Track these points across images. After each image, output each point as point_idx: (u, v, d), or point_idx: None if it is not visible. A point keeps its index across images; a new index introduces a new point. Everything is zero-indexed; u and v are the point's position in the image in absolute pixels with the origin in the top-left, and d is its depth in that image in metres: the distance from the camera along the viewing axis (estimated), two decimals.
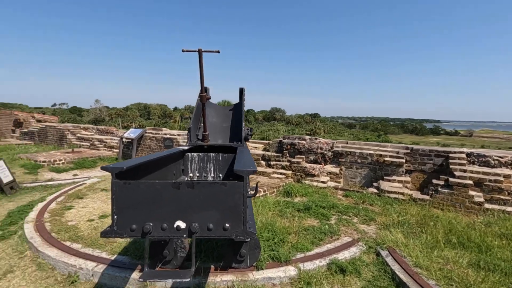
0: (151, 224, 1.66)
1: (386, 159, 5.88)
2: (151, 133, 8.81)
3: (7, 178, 5.86)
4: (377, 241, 3.72)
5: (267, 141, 8.15)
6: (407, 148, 6.03)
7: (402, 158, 5.86)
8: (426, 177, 5.73)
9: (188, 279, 1.62)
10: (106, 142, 10.12)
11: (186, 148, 3.63)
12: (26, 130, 13.35)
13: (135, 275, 2.85)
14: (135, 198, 1.67)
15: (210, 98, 3.70)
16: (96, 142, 10.31)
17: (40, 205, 4.79)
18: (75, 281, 2.93)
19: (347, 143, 6.64)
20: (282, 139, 6.96)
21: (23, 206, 4.87)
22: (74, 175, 7.70)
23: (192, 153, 3.68)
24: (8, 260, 3.35)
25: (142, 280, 1.57)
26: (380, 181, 5.84)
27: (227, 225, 1.66)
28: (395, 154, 6.00)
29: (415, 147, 6.00)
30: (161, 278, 1.66)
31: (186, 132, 8.65)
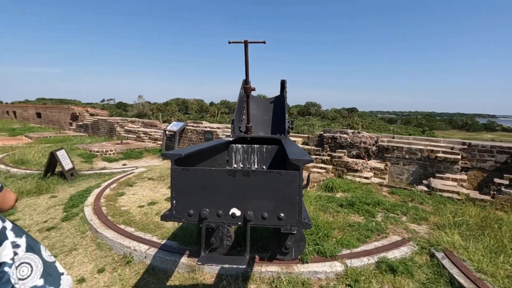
0: (207, 210, 1.70)
1: (438, 155, 5.43)
2: (192, 126, 9.11)
3: (68, 165, 6.47)
4: (431, 241, 3.46)
5: (305, 135, 7.99)
6: (463, 144, 5.51)
7: (458, 154, 5.37)
8: (486, 175, 5.19)
9: (244, 266, 1.64)
10: (151, 135, 10.71)
11: (231, 139, 3.68)
12: (81, 123, 14.65)
13: (184, 259, 2.98)
14: (193, 184, 1.72)
15: (254, 89, 3.70)
16: (142, 135, 10.96)
17: (96, 191, 5.22)
18: (130, 261, 3.14)
19: (393, 138, 6.26)
20: (322, 132, 6.77)
21: (82, 191, 5.35)
22: (123, 164, 8.27)
23: (237, 145, 3.72)
24: (72, 238, 3.71)
25: (200, 263, 1.62)
26: (431, 179, 5.42)
27: (281, 214, 1.64)
28: (449, 150, 5.52)
29: (473, 142, 5.45)
30: (217, 263, 1.70)
31: (225, 125, 8.82)
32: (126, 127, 11.99)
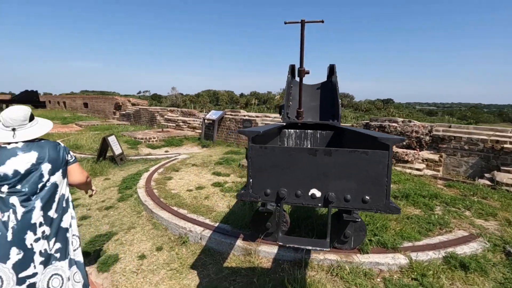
0: (285, 190, 1.64)
1: (506, 145, 4.91)
2: (230, 115, 9.17)
3: (118, 150, 6.84)
4: (505, 239, 3.14)
5: (347, 124, 7.67)
6: None
7: None
8: None
9: (328, 249, 1.56)
10: (189, 123, 10.99)
11: (284, 124, 3.60)
12: (124, 112, 15.46)
13: (239, 242, 2.99)
14: (270, 163, 1.67)
15: (308, 72, 3.55)
16: (181, 123, 11.28)
17: (146, 175, 5.45)
18: (186, 242, 3.22)
19: (450, 127, 5.77)
20: (369, 121, 6.44)
21: (133, 174, 5.61)
22: (166, 151, 8.58)
23: (289, 130, 3.63)
24: (129, 218, 3.90)
25: (281, 243, 1.58)
26: (495, 172, 4.92)
27: (367, 197, 1.53)
28: None
29: None
30: (299, 244, 1.65)
31: (263, 114, 8.75)
32: (166, 116, 12.41)
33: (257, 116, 8.40)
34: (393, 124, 6.03)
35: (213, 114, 9.38)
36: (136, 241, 3.32)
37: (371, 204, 1.54)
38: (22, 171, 1.62)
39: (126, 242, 3.31)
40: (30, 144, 1.71)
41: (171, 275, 2.74)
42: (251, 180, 1.73)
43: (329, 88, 4.77)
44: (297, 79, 4.99)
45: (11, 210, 1.60)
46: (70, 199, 1.89)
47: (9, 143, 1.67)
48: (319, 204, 1.62)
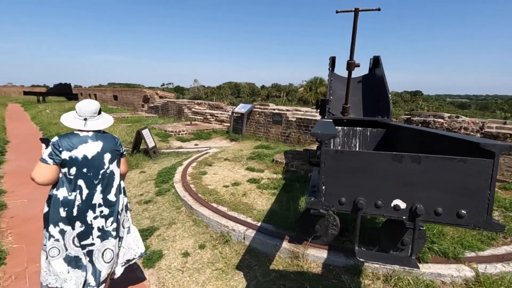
0: (363, 199, 1.48)
1: None
2: (259, 108, 9.02)
3: (151, 144, 6.93)
4: None
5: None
6: None
7: None
8: None
9: (419, 269, 1.40)
10: (217, 116, 10.98)
11: (330, 120, 3.40)
12: (152, 104, 15.78)
13: (286, 244, 2.87)
14: (347, 168, 1.51)
15: (359, 65, 3.31)
16: (209, 116, 11.31)
17: (180, 169, 5.46)
18: (228, 240, 3.16)
19: (504, 123, 5.27)
20: (410, 116, 6.05)
21: (168, 168, 5.65)
22: (195, 144, 8.62)
23: (336, 127, 3.42)
24: (169, 213, 3.90)
25: (361, 259, 1.44)
26: None
27: (463, 211, 1.33)
28: None
29: None
30: (384, 262, 1.49)
31: (294, 107, 8.52)
32: (193, 109, 12.50)
33: (287, 110, 8.19)
34: (439, 120, 5.61)
35: (242, 108, 9.27)
36: (178, 238, 3.30)
37: (467, 220, 1.34)
38: (89, 156, 1.87)
39: (169, 238, 3.30)
40: (97, 134, 1.95)
41: (217, 275, 2.68)
42: (323, 187, 1.58)
43: (373, 81, 4.47)
44: (333, 71, 4.72)
45: (78, 191, 1.86)
46: (122, 185, 2.15)
47: (81, 131, 1.91)
48: (404, 217, 1.45)
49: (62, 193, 1.85)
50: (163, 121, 12.48)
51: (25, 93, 30.46)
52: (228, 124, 10.32)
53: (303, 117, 7.59)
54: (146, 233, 3.38)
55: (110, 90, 23.01)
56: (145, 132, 6.84)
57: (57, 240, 1.84)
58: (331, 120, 3.12)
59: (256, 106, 9.14)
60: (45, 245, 1.87)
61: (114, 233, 2.02)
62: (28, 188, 4.99)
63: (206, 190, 4.29)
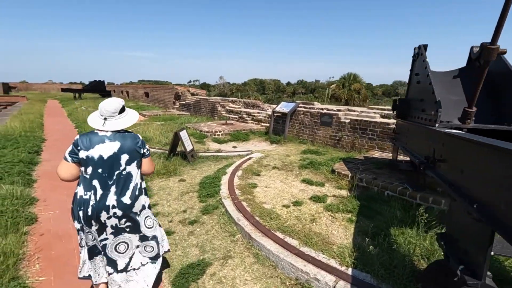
0: None
1: None
2: (304, 107, 8.10)
3: (189, 146, 6.29)
4: None
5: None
6: None
7: None
8: None
9: None
10: (254, 116, 10.21)
11: (446, 130, 2.43)
12: (183, 102, 15.37)
13: None
14: None
15: (505, 52, 2.29)
16: (244, 115, 10.56)
17: (225, 179, 4.72)
18: None
19: None
20: None
21: (210, 177, 4.92)
22: (234, 147, 7.91)
23: None
24: (221, 240, 3.14)
25: None
26: None
27: None
28: None
29: None
30: None
31: (346, 107, 7.49)
32: (227, 107, 11.83)
33: (338, 110, 7.19)
34: None
35: (284, 106, 8.40)
36: (239, 281, 2.52)
37: None
38: (105, 157, 1.84)
39: (226, 281, 2.53)
40: (116, 134, 1.90)
41: None
42: None
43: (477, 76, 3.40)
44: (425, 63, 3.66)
45: (92, 191, 1.84)
46: (143, 187, 2.09)
47: (100, 130, 1.89)
48: None
49: (80, 192, 1.88)
50: (196, 119, 11.93)
51: (63, 90, 31.76)
52: (266, 124, 9.51)
53: (359, 118, 6.57)
54: (196, 270, 2.64)
55: (142, 87, 23.11)
56: (183, 134, 6.20)
57: (80, 233, 1.96)
58: None
59: (300, 105, 8.22)
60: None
61: (128, 229, 2.00)
62: (61, 194, 4.52)
63: (263, 211, 3.49)
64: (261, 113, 10.12)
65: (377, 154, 5.96)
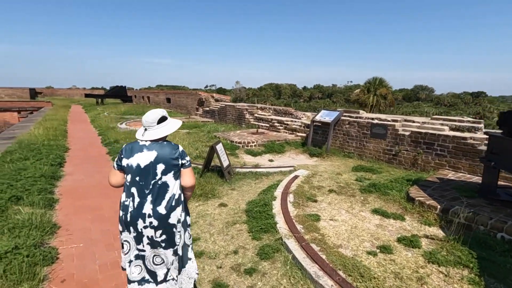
0: None
1: None
2: (350, 116, 7.18)
3: (225, 162, 5.54)
4: None
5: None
6: None
7: None
8: None
9: None
10: (287, 124, 9.37)
11: None
12: (207, 108, 14.77)
13: None
14: None
15: None
16: (276, 124, 9.75)
17: (277, 206, 3.91)
18: None
19: None
20: None
21: (257, 203, 4.11)
22: (270, 160, 7.10)
23: None
24: None
25: None
26: None
27: None
28: None
29: None
30: None
31: (402, 117, 6.53)
32: (256, 115, 11.06)
33: (394, 120, 6.23)
34: None
35: (326, 115, 7.52)
36: None
37: None
38: (142, 166, 1.88)
39: None
40: (155, 143, 1.93)
41: None
42: None
43: None
44: None
45: (131, 198, 1.90)
46: (182, 199, 2.00)
47: (141, 140, 1.94)
48: None
49: (123, 197, 1.95)
50: (224, 127, 11.22)
51: (86, 95, 32.24)
52: (302, 134, 8.65)
53: (423, 130, 5.59)
54: None
55: (163, 93, 22.82)
56: (219, 148, 5.46)
57: (123, 237, 1.98)
58: None
59: (344, 114, 7.32)
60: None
61: (163, 244, 1.93)
62: (85, 220, 3.92)
63: (346, 262, 2.62)
64: (295, 121, 9.27)
65: (450, 174, 4.97)
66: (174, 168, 1.92)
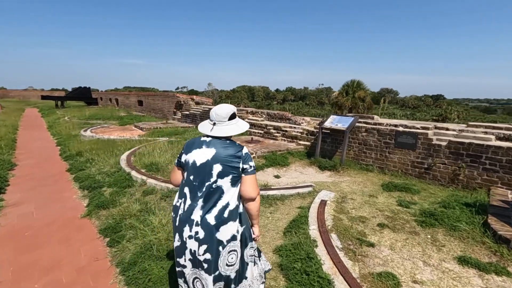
0: None
1: None
2: (366, 123, 6.20)
3: None
4: None
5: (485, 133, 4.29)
6: None
7: None
8: None
9: None
10: (286, 131, 8.22)
11: None
12: (187, 112, 13.21)
13: None
14: None
15: None
16: (272, 130, 8.57)
17: (325, 258, 2.71)
18: None
19: None
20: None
21: (294, 255, 2.87)
22: (275, 176, 5.89)
23: None
24: None
25: None
26: None
27: None
28: None
29: None
30: None
31: (433, 123, 5.64)
32: (246, 120, 9.80)
33: (425, 128, 5.31)
34: None
35: (338, 121, 6.46)
36: None
37: None
38: (198, 163, 1.63)
39: None
40: (216, 141, 1.67)
41: None
42: None
43: None
44: None
45: (183, 199, 1.65)
46: (239, 211, 1.66)
47: (207, 136, 1.69)
48: None
49: (175, 198, 1.75)
50: None
51: (43, 97, 28.82)
52: (304, 142, 7.55)
53: (465, 141, 4.71)
54: None
55: (134, 95, 20.69)
56: None
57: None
58: None
59: (359, 120, 6.32)
60: None
61: (205, 265, 1.59)
62: None
63: None
64: (295, 127, 8.15)
65: (509, 193, 4.10)
66: (233, 172, 1.61)
